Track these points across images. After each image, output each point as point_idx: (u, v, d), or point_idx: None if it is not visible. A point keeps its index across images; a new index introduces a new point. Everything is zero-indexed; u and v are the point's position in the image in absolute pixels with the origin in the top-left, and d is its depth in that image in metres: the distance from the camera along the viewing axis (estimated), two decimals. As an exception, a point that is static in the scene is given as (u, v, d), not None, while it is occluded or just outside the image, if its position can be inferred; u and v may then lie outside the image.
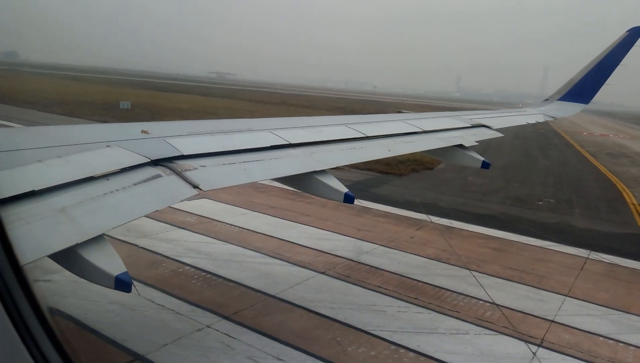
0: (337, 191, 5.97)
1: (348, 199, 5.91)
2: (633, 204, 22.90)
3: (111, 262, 3.49)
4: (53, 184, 3.68)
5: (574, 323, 10.19)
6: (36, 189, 3.53)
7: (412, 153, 9.00)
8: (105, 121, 35.22)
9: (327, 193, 6.03)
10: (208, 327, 8.86)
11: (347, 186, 6.12)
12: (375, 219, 17.06)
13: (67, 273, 3.61)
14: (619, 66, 13.58)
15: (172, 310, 9.38)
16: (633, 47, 13.38)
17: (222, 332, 8.69)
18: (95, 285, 3.59)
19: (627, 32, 13.50)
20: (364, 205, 18.53)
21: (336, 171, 6.46)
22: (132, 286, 3.49)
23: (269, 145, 6.21)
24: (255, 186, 19.19)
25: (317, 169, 6.10)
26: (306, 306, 9.95)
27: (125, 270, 3.49)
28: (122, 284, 3.43)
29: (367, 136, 7.93)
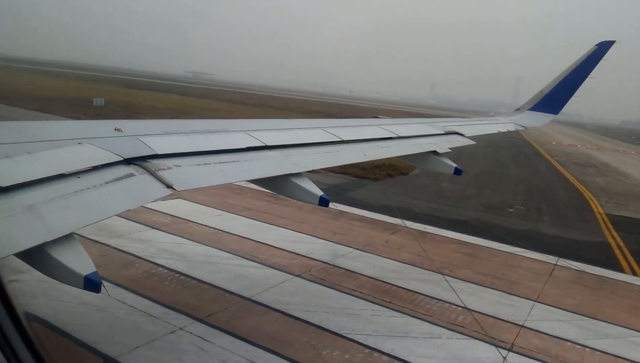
0: (312, 194, 5.97)
1: (323, 202, 5.92)
2: (599, 213, 23.61)
3: (80, 261, 3.41)
4: (22, 181, 3.58)
5: (542, 328, 10.43)
6: (3, 185, 3.43)
7: (387, 158, 9.08)
8: (78, 118, 34.45)
9: (302, 195, 6.03)
10: (181, 329, 8.73)
11: (323, 190, 6.13)
12: (351, 223, 17.14)
13: (36, 272, 3.51)
14: (587, 79, 13.97)
15: (145, 312, 9.22)
16: (602, 60, 13.79)
17: (195, 335, 8.59)
18: (65, 285, 3.50)
19: (596, 46, 13.92)
20: (340, 209, 18.60)
21: (312, 174, 6.46)
22: (102, 286, 3.41)
23: (245, 146, 6.17)
24: (231, 188, 19.06)
25: (293, 172, 6.09)
26: (281, 309, 9.92)
27: (95, 269, 3.41)
28: (92, 284, 3.35)
29: (344, 140, 7.96)
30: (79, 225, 3.63)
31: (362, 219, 17.81)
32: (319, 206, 6.18)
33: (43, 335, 7.78)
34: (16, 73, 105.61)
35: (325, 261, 12.98)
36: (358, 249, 14.28)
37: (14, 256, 3.14)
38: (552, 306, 11.72)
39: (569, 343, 9.88)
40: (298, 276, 11.79)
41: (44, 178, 3.77)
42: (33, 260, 3.40)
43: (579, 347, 9.80)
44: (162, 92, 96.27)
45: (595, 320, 11.16)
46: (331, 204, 6.31)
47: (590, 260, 15.59)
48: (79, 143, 4.55)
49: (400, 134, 9.55)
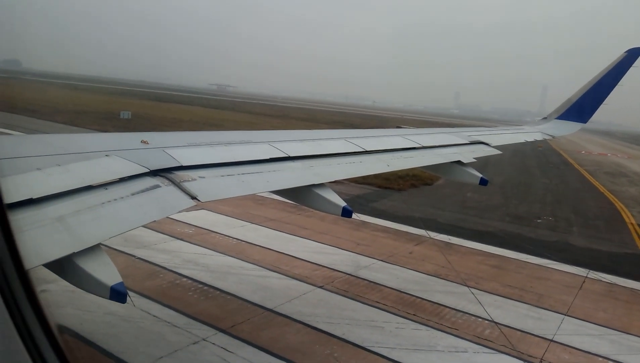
0: (335, 204, 5.96)
1: (346, 213, 5.90)
2: (632, 224, 22.87)
3: (107, 272, 3.47)
4: (51, 193, 3.67)
5: (573, 342, 10.11)
6: (34, 197, 3.51)
7: (411, 168, 9.01)
8: (105, 131, 35.31)
9: (325, 206, 6.02)
10: (204, 340, 8.77)
11: (345, 200, 6.11)
12: (374, 233, 17.02)
13: (63, 282, 3.58)
14: (617, 86, 13.65)
15: (168, 322, 9.30)
16: (631, 67, 13.47)
17: (218, 346, 8.61)
18: (92, 295, 3.56)
19: (626, 53, 13.61)
20: (363, 219, 18.50)
21: (335, 184, 6.46)
22: (128, 296, 3.45)
23: (268, 157, 6.22)
24: (254, 198, 19.17)
25: (316, 183, 6.10)
26: (304, 321, 9.87)
27: (121, 280, 3.46)
28: (117, 294, 3.40)
29: (366, 151, 7.94)
30: (106, 236, 3.70)
31: (385, 230, 17.66)
32: (342, 217, 6.16)
33: (69, 344, 7.91)
34: (45, 87, 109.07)
35: (348, 272, 12.90)
36: (381, 260, 14.15)
37: (42, 266, 3.21)
38: (582, 320, 11.36)
39: (600, 359, 9.55)
40: (321, 287, 11.74)
41: (73, 189, 3.85)
42: (61, 270, 3.46)
43: (611, 362, 9.46)
44: (186, 104, 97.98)
45: (627, 335, 10.77)
46: (354, 215, 6.28)
47: (623, 273, 15.09)
48: (107, 155, 4.65)
49: (424, 144, 9.47)
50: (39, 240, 3.26)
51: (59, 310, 9.13)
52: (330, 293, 11.45)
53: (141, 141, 5.33)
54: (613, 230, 21.53)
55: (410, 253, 15.19)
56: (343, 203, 5.96)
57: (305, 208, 6.86)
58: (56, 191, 3.71)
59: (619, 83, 13.60)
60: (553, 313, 11.58)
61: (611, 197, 30.18)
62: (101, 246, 3.62)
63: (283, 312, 10.17)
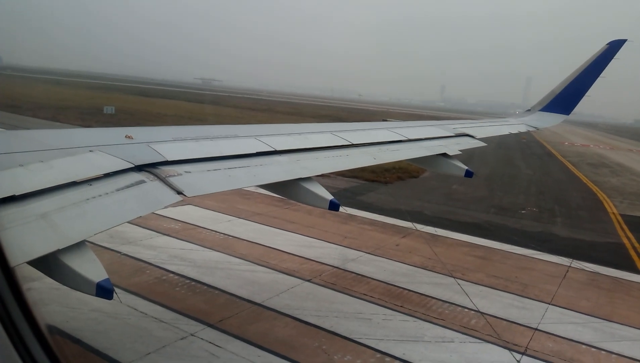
0: (322, 198, 5.97)
1: (333, 206, 5.92)
2: (614, 213, 23.29)
3: (92, 268, 3.44)
4: (34, 189, 3.62)
5: (557, 331, 10.30)
6: (17, 194, 3.46)
7: (397, 161, 9.06)
8: (89, 126, 34.83)
9: (312, 200, 6.03)
10: (192, 335, 8.75)
11: (332, 194, 6.12)
12: (361, 226, 17.09)
13: (48, 280, 3.54)
14: (599, 78, 13.84)
15: (156, 318, 9.25)
16: (613, 59, 13.66)
17: (206, 340, 8.59)
18: (77, 292, 3.53)
19: (607, 45, 13.80)
20: (350, 212, 18.56)
21: (322, 178, 6.46)
22: (114, 293, 3.43)
23: (254, 152, 6.20)
24: (240, 193, 19.10)
25: (303, 177, 6.10)
26: (292, 314, 9.90)
27: (107, 276, 3.43)
28: (104, 291, 3.37)
29: (353, 144, 7.96)
30: (91, 232, 3.66)
31: (372, 222, 17.75)
32: (329, 211, 6.17)
33: (54, 341, 7.83)
34: (27, 82, 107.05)
35: (335, 265, 12.95)
36: (369, 253, 14.23)
37: (26, 264, 3.17)
38: (566, 308, 11.57)
39: (583, 346, 9.75)
40: (309, 281, 11.77)
41: (57, 186, 3.80)
42: (46, 268, 3.42)
43: (594, 349, 9.66)
44: (171, 99, 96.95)
45: (610, 322, 10.99)
46: (341, 208, 6.30)
47: (605, 262, 15.37)
48: (91, 151, 4.59)
49: (410, 137, 9.52)
50: (23, 237, 3.22)
51: (44, 308, 9.01)
52: (318, 287, 11.49)
53: (125, 136, 5.27)
54: (596, 220, 21.92)
55: (397, 245, 15.29)
56: (330, 197, 5.98)
57: (292, 202, 6.86)
58: (39, 188, 3.67)
59: (601, 75, 13.79)
60: (537, 302, 11.78)
61: (594, 187, 30.69)
62: (86, 242, 3.58)
63: (271, 306, 10.18)
